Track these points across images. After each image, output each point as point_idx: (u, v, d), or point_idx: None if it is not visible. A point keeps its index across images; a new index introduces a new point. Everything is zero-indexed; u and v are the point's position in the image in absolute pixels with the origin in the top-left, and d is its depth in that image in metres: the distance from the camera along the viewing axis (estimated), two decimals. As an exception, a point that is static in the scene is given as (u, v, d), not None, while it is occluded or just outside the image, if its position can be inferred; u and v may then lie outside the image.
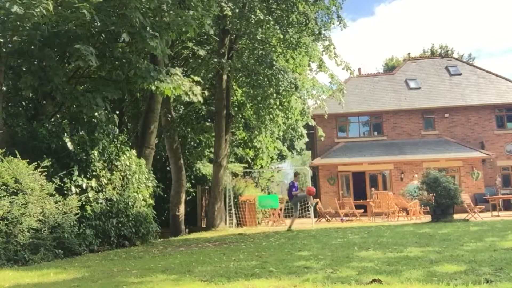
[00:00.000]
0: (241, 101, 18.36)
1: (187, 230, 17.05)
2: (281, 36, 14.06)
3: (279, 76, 14.52)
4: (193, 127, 18.34)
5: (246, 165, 22.71)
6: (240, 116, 18.16)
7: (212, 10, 10.02)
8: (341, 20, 15.69)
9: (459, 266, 4.53)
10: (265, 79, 14.87)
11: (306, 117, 17.46)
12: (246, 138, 19.72)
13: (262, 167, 22.13)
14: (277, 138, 20.53)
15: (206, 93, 11.32)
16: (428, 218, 13.63)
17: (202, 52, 13.03)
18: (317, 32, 15.35)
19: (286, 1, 14.25)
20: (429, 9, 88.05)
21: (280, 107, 16.45)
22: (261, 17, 13.21)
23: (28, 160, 7.78)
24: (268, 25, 13.66)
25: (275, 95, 15.41)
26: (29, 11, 7.04)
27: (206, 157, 20.90)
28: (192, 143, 19.76)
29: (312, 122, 18.00)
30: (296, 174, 14.62)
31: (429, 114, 25.78)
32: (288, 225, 13.06)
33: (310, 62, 17.03)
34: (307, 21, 14.67)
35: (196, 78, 10.50)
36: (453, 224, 11.35)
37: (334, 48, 15.64)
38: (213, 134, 16.76)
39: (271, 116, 16.83)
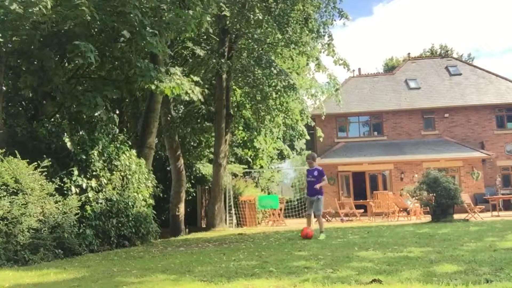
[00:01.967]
0: (241, 101, 18.39)
1: (187, 230, 17.06)
2: (280, 36, 14.03)
3: (277, 77, 14.52)
4: (193, 127, 18.36)
5: (246, 166, 22.72)
6: (240, 116, 18.18)
7: (211, 9, 10.02)
8: (342, 15, 15.37)
9: (459, 266, 4.53)
10: (263, 79, 14.87)
11: (305, 117, 17.48)
12: (246, 138, 19.75)
13: (262, 167, 22.15)
14: (277, 138, 20.54)
15: (206, 91, 11.32)
16: (428, 218, 13.63)
17: (201, 52, 13.04)
18: (316, 30, 15.25)
19: (285, 1, 14.24)
20: (428, 9, 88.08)
21: (280, 106, 16.46)
22: (260, 17, 13.20)
23: (28, 160, 7.77)
24: (267, 25, 13.66)
25: (274, 94, 15.41)
26: (28, 10, 7.04)
27: (206, 157, 20.92)
28: (192, 143, 19.78)
29: (312, 123, 18.01)
30: (309, 159, 9.60)
31: (429, 114, 25.79)
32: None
33: (309, 62, 17.03)
34: (307, 19, 14.63)
35: (195, 78, 10.51)
36: (453, 224, 11.35)
37: (333, 46, 15.53)
38: (213, 134, 16.79)
39: (270, 116, 16.84)
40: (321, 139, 19.13)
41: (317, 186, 9.13)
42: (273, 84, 14.99)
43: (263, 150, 20.25)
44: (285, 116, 17.09)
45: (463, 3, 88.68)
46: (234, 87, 17.42)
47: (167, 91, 9.49)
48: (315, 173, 9.30)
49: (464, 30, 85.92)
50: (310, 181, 9.30)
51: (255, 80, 15.17)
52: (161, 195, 12.93)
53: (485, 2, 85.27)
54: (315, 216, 9.47)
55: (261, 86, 15.23)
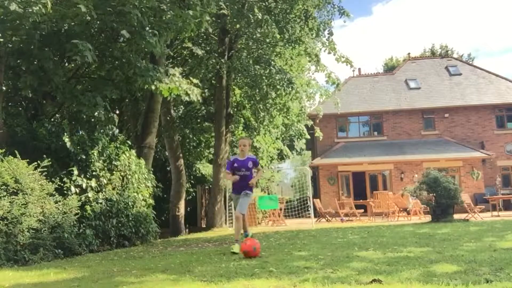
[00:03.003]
0: (240, 102, 18.40)
1: (187, 230, 17.06)
2: (278, 36, 14.01)
3: (277, 75, 14.51)
4: (193, 127, 18.36)
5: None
6: (240, 116, 18.20)
7: (210, 8, 10.02)
8: (342, 12, 15.28)
9: (459, 266, 4.53)
10: (263, 78, 14.86)
11: (302, 118, 17.50)
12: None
13: (262, 167, 22.21)
14: (277, 139, 20.53)
15: (206, 92, 11.31)
16: (428, 218, 13.63)
17: (199, 52, 13.04)
18: (316, 29, 15.22)
19: (286, 0, 14.24)
20: (427, 9, 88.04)
21: (279, 105, 16.46)
22: (259, 17, 13.18)
23: (28, 160, 7.78)
24: (266, 25, 13.65)
25: (273, 93, 15.40)
26: (28, 10, 7.03)
27: (205, 157, 20.92)
28: (192, 143, 19.79)
29: (309, 123, 18.04)
30: (244, 139, 7.37)
31: (429, 114, 25.79)
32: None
33: (309, 61, 17.03)
34: (307, 17, 14.61)
35: (195, 80, 10.51)
36: (453, 224, 11.35)
37: (333, 43, 15.47)
38: (213, 134, 16.78)
39: (269, 116, 16.84)
40: (320, 138, 19.14)
41: (252, 182, 7.01)
42: (272, 84, 14.97)
43: (263, 151, 20.24)
44: (284, 116, 17.10)
45: (463, 3, 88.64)
46: (234, 87, 17.43)
47: (165, 92, 9.50)
48: (249, 164, 7.00)
49: (464, 30, 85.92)
50: (243, 176, 6.96)
51: (255, 80, 15.17)
52: (161, 195, 12.93)
53: (485, 2, 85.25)
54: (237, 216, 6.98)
55: (260, 86, 15.23)
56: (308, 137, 20.57)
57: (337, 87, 16.69)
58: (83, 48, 7.78)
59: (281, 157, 30.64)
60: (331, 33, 15.60)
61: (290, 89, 14.97)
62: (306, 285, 3.95)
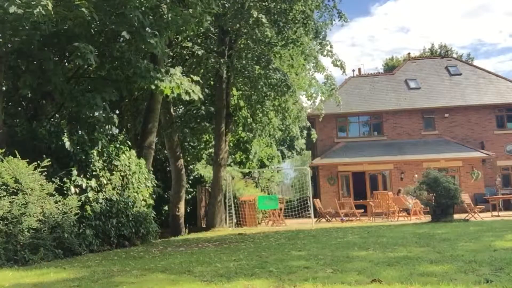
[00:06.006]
0: (238, 103, 18.40)
1: (187, 230, 17.05)
2: (270, 35, 14.03)
3: (275, 75, 14.51)
4: (193, 127, 18.35)
5: (244, 167, 22.75)
6: (240, 116, 18.19)
7: (211, 8, 10.01)
8: (341, 16, 15.62)
9: (459, 266, 4.53)
10: (262, 78, 14.87)
11: (300, 120, 17.53)
12: (246, 138, 19.76)
13: (251, 170, 22.28)
14: (272, 142, 20.57)
15: (206, 91, 11.30)
16: (428, 218, 13.64)
17: (200, 52, 13.03)
18: (314, 31, 15.33)
19: (285, 1, 14.24)
20: (426, 8, 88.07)
21: (278, 107, 16.47)
22: (255, 15, 13.17)
23: (28, 160, 7.77)
24: (262, 25, 13.65)
25: (272, 94, 15.39)
26: (28, 10, 7.03)
27: (204, 158, 20.90)
28: (191, 143, 19.77)
29: (307, 124, 18.09)
30: None
31: (429, 114, 25.79)
32: None
33: (307, 62, 17.07)
34: (305, 18, 14.66)
35: (195, 78, 10.51)
36: (453, 224, 11.35)
37: (329, 44, 15.61)
38: (212, 135, 16.78)
39: (266, 118, 16.86)
40: (314, 140, 19.27)
41: None
42: (271, 84, 14.96)
43: (255, 153, 20.32)
44: (282, 117, 17.13)
45: (462, 2, 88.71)
46: (233, 87, 17.41)
47: (167, 91, 9.49)
48: None
49: (463, 30, 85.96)
50: None
51: (253, 80, 15.17)
52: (160, 192, 12.92)
53: (483, 2, 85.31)
54: None
55: (259, 87, 15.22)
56: (304, 140, 20.64)
57: (331, 92, 16.85)
58: (85, 51, 7.78)
59: (282, 156, 30.67)
60: (324, 37, 15.82)
61: (287, 90, 14.96)
62: (306, 285, 3.95)
